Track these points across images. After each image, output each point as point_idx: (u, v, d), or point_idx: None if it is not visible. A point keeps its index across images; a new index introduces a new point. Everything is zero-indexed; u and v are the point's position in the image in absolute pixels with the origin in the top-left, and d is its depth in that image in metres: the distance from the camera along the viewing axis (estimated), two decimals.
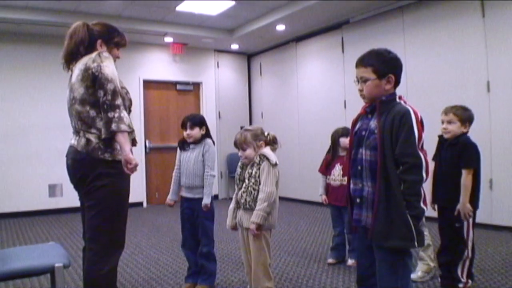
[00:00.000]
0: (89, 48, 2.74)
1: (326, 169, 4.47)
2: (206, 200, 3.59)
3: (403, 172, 2.19)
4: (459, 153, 3.32)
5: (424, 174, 2.18)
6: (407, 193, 2.18)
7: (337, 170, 4.35)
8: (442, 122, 3.44)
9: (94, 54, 2.65)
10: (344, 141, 4.28)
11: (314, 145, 8.18)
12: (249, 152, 3.05)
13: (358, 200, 2.38)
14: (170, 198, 3.82)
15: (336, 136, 4.44)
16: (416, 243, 2.19)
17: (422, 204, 2.20)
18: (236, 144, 3.11)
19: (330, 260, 4.41)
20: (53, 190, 7.82)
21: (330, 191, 4.41)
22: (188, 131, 3.69)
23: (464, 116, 3.38)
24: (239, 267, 4.34)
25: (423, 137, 2.24)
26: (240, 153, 3.10)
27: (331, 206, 4.43)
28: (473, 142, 3.36)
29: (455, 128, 3.37)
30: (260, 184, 2.96)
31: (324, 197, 4.46)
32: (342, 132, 4.38)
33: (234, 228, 3.19)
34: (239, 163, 3.16)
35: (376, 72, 2.32)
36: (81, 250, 2.87)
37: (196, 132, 3.69)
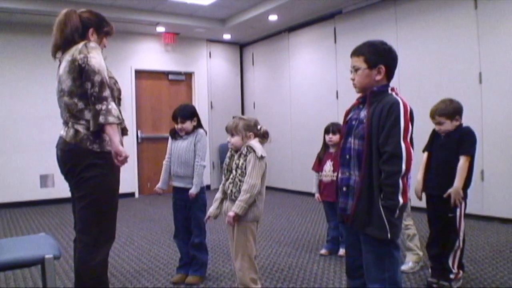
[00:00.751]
0: (82, 36, 2.69)
1: (318, 166, 4.45)
2: (194, 190, 3.60)
3: (383, 162, 2.19)
4: (458, 141, 3.31)
5: (403, 166, 2.15)
6: (383, 183, 2.19)
7: (328, 166, 4.34)
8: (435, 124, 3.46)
9: (80, 45, 2.61)
10: (328, 138, 4.34)
11: (306, 135, 8.20)
12: (236, 139, 3.05)
13: (344, 189, 2.40)
14: (159, 186, 3.79)
15: (324, 132, 4.45)
16: (389, 235, 2.19)
17: (399, 197, 2.16)
18: (227, 129, 3.12)
19: (323, 251, 4.42)
20: (44, 180, 7.79)
21: (322, 187, 4.40)
22: (180, 125, 3.67)
23: (450, 111, 3.35)
24: (230, 258, 4.32)
25: (411, 129, 2.24)
26: (228, 138, 3.11)
27: (324, 202, 4.44)
28: (473, 131, 3.36)
29: (448, 126, 3.37)
30: (245, 175, 2.97)
31: (317, 195, 4.45)
32: (326, 128, 4.39)
33: (216, 217, 3.20)
34: (228, 153, 3.15)
35: (367, 62, 2.33)
36: (73, 241, 2.85)
37: (188, 125, 3.67)
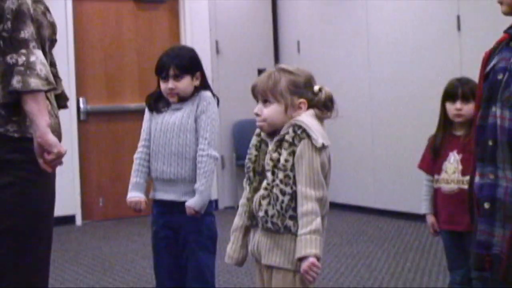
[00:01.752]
0: None
1: (432, 163, 4.29)
2: (196, 202, 3.64)
3: None
4: None
5: None
6: None
7: (452, 162, 4.18)
8: None
9: None
10: (453, 108, 4.09)
11: (401, 102, 8.16)
12: (273, 111, 2.98)
13: (487, 206, 2.38)
14: (133, 195, 3.82)
15: (443, 99, 4.28)
16: None
17: None
18: (254, 90, 3.03)
19: None
20: None
21: (440, 204, 4.27)
22: (172, 83, 3.71)
23: None
24: None
25: None
26: (256, 109, 3.02)
27: (444, 232, 4.32)
28: None
29: None
30: (295, 182, 2.88)
31: (432, 220, 4.30)
32: (449, 90, 4.18)
33: (241, 263, 3.18)
34: (253, 140, 3.12)
35: None
36: None
37: (186, 84, 3.76)
